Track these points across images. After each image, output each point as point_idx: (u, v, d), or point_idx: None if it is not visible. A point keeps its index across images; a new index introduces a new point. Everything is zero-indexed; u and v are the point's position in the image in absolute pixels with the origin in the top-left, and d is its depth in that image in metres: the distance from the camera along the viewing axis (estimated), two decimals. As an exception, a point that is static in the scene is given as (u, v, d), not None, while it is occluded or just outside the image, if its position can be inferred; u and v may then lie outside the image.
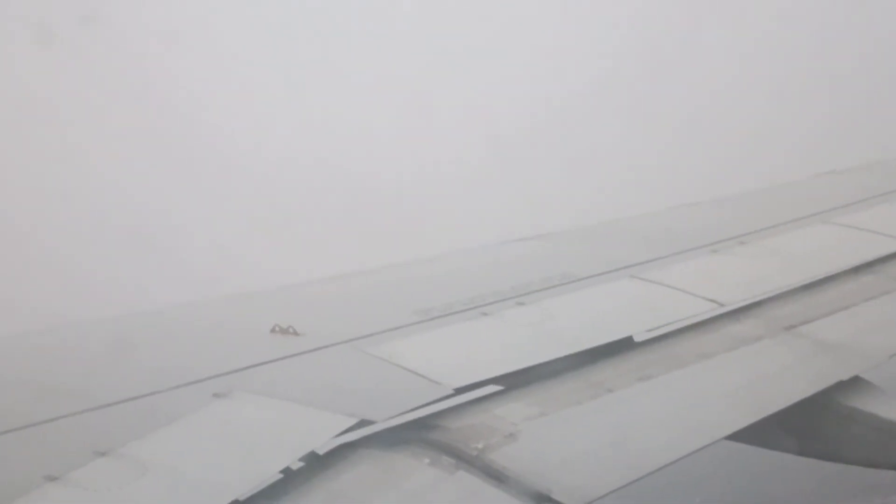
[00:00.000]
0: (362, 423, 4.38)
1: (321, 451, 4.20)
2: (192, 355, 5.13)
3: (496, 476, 4.21)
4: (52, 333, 5.60)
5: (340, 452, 4.25)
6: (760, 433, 5.10)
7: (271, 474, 3.98)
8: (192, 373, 4.73)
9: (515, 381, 5.00)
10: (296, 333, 5.25)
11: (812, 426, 5.34)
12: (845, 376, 5.39)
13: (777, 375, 5.47)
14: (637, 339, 5.56)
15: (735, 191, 9.15)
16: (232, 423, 4.39)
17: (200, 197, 12.64)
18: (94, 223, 11.92)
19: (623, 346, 5.48)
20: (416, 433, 4.45)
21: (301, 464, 4.10)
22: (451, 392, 4.74)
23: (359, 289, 6.44)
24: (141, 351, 5.23)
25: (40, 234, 11.81)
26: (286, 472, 4.04)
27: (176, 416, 4.31)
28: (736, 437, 4.90)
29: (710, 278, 6.46)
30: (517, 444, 4.45)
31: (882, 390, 5.44)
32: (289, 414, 4.47)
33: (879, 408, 5.31)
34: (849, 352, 5.71)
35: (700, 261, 6.75)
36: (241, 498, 3.82)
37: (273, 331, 5.28)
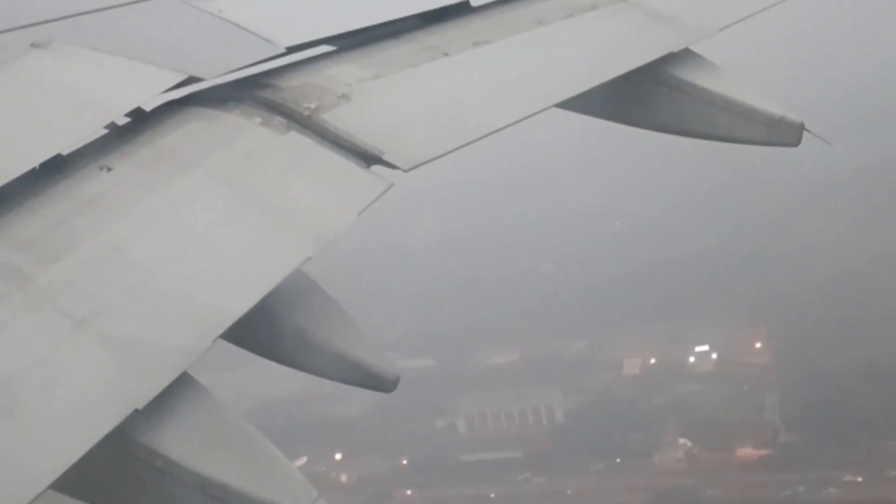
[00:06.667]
0: (190, 80, 4.25)
1: (148, 108, 4.09)
2: None
3: (328, 137, 4.19)
4: None
5: (168, 109, 4.15)
6: (594, 102, 5.17)
7: (96, 129, 3.87)
8: (5, 19, 4.47)
9: (349, 43, 4.90)
10: (120, -18, 4.98)
11: (643, 98, 5.43)
12: (676, 48, 5.45)
13: (610, 44, 5.49)
14: (474, 3, 5.47)
15: None
16: (52, 76, 4.19)
17: None
18: None
19: (460, 11, 5.39)
20: (247, 92, 4.35)
21: (127, 119, 4.00)
22: (283, 51, 4.62)
23: None
24: None
25: None
26: (111, 127, 3.93)
27: None
28: (569, 104, 4.95)
29: None
30: (350, 106, 4.40)
31: (711, 63, 5.53)
32: (113, 68, 4.29)
33: (708, 81, 5.41)
34: (681, 24, 5.75)
35: None
36: (65, 153, 3.72)
37: (95, -22, 4.99)
